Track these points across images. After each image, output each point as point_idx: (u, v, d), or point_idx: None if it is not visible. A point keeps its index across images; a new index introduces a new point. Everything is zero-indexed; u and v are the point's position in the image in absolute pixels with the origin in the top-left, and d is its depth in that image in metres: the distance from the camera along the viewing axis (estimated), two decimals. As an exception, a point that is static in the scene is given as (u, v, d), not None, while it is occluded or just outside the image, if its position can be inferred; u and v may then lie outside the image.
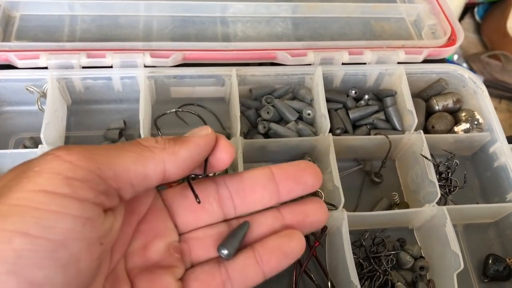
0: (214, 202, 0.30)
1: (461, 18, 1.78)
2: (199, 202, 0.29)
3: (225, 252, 0.29)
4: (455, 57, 1.74)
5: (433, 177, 0.44)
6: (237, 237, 0.30)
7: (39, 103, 0.48)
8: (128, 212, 0.28)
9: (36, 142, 0.48)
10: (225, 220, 0.31)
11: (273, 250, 0.29)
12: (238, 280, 0.29)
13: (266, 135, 0.49)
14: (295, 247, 0.29)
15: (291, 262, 0.30)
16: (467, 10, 1.81)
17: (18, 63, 0.47)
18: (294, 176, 0.30)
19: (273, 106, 0.50)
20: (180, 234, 0.30)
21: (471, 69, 1.69)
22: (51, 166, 0.23)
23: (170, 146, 0.27)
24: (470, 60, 1.72)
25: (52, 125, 0.44)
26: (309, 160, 0.48)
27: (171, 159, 0.26)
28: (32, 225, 0.21)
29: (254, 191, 0.30)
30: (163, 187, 0.31)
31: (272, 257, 0.29)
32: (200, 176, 0.30)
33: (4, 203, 0.21)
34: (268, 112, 0.49)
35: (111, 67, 0.48)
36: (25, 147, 0.47)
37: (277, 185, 0.30)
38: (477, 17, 1.83)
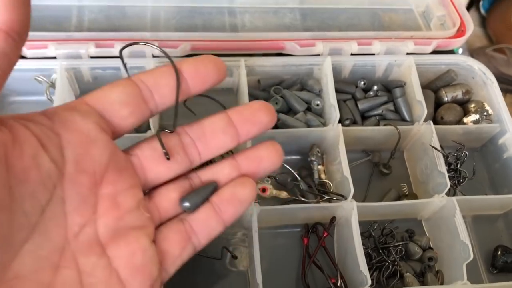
0: (180, 151, 0.30)
1: (466, 11, 1.77)
2: (168, 159, 0.29)
3: (187, 205, 0.30)
4: (460, 50, 1.73)
5: (443, 168, 0.44)
6: (201, 194, 0.30)
7: (48, 93, 0.48)
8: (77, 172, 0.26)
9: (44, 132, 0.48)
10: (186, 174, 0.31)
11: (229, 199, 0.31)
12: (202, 232, 0.30)
13: (275, 125, 0.49)
14: (248, 193, 0.31)
15: (247, 208, 0.32)
16: (472, 3, 1.79)
17: (27, 52, 0.47)
18: (250, 117, 0.31)
19: (281, 96, 0.50)
20: (145, 192, 0.30)
21: (476, 63, 1.68)
22: None
23: None
24: (475, 53, 1.71)
25: (61, 115, 0.44)
26: (318, 151, 0.48)
27: None
28: None
29: (215, 136, 0.31)
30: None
31: (229, 206, 0.31)
32: (170, 131, 0.30)
33: None
34: (276, 103, 0.49)
35: (119, 57, 0.48)
36: (34, 137, 0.47)
37: (236, 128, 0.31)
38: (482, 10, 1.81)
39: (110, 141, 0.28)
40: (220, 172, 0.32)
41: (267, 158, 0.32)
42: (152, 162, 0.30)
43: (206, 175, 0.32)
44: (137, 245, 0.27)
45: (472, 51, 1.79)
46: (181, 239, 0.29)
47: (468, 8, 1.78)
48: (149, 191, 0.30)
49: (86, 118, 0.27)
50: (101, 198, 0.27)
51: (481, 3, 1.88)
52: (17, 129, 0.24)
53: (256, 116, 0.31)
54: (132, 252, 0.27)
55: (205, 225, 0.30)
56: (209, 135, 0.31)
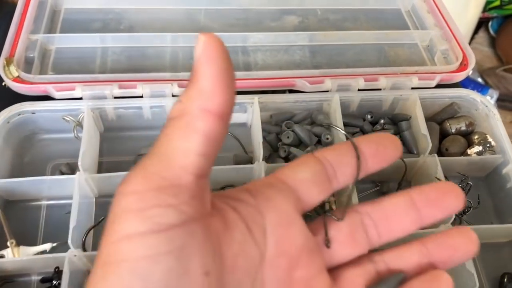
0: (362, 232, 0.28)
1: (475, 32, 1.79)
2: (328, 247, 0.28)
3: None
4: (470, 72, 1.75)
5: (448, 199, 0.46)
6: (389, 286, 0.28)
7: (75, 131, 0.51)
8: (277, 255, 0.25)
9: (72, 168, 0.51)
10: (370, 257, 0.29)
11: None
12: None
13: (287, 159, 0.51)
14: None
15: None
16: (481, 24, 1.82)
17: (56, 94, 0.50)
18: (436, 201, 0.28)
19: (292, 131, 0.52)
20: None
21: (486, 83, 1.70)
22: (121, 206, 0.21)
23: None
24: (485, 74, 1.73)
25: (87, 152, 0.47)
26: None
27: None
28: (129, 278, 0.20)
29: (396, 218, 0.29)
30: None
31: None
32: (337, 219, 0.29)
33: (97, 265, 0.21)
34: (288, 137, 0.52)
35: (141, 97, 0.51)
36: (62, 173, 0.51)
37: (419, 211, 0.28)
38: (491, 31, 1.84)
39: (304, 222, 0.27)
40: (408, 258, 0.28)
41: (462, 249, 0.28)
42: (337, 244, 0.28)
43: (393, 260, 0.29)
44: None
45: (482, 72, 1.80)
46: None
47: (477, 29, 1.81)
48: (332, 272, 0.28)
49: (287, 198, 0.26)
50: (296, 281, 0.26)
51: (490, 24, 1.90)
52: (228, 214, 0.24)
53: (443, 200, 0.28)
54: None
55: None
56: (390, 217, 0.29)
